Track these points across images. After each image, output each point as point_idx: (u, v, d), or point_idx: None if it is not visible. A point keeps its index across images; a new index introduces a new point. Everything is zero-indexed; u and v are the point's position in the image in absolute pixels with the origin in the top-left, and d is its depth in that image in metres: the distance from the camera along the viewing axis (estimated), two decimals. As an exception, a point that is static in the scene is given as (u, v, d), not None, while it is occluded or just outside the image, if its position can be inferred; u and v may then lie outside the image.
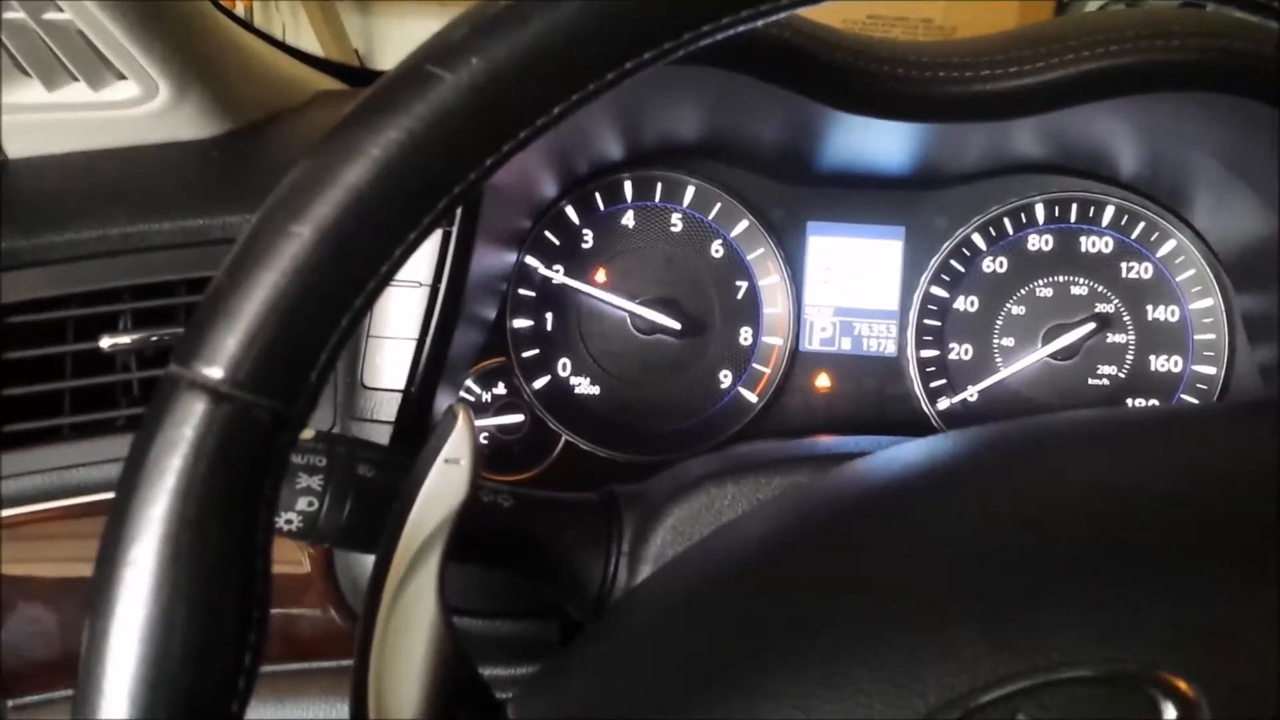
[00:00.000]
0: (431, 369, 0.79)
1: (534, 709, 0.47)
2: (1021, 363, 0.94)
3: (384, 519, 0.50)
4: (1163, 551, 0.38)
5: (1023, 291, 0.95)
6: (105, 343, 0.79)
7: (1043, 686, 0.34)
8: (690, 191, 0.97)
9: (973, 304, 0.96)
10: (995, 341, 0.96)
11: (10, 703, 0.86)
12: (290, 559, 0.82)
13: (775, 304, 0.97)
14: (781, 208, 0.97)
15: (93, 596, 0.34)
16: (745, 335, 0.98)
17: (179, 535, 0.33)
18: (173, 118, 0.84)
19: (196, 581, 0.34)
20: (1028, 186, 0.94)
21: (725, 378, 0.98)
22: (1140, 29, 0.66)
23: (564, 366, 0.98)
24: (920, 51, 0.70)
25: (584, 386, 0.99)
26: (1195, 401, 0.93)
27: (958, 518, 0.43)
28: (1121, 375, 0.94)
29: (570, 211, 0.98)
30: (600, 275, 0.98)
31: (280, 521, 0.57)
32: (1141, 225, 0.93)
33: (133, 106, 0.83)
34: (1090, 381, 0.94)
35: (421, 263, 0.78)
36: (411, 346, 0.78)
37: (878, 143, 0.84)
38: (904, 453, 0.52)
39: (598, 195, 0.98)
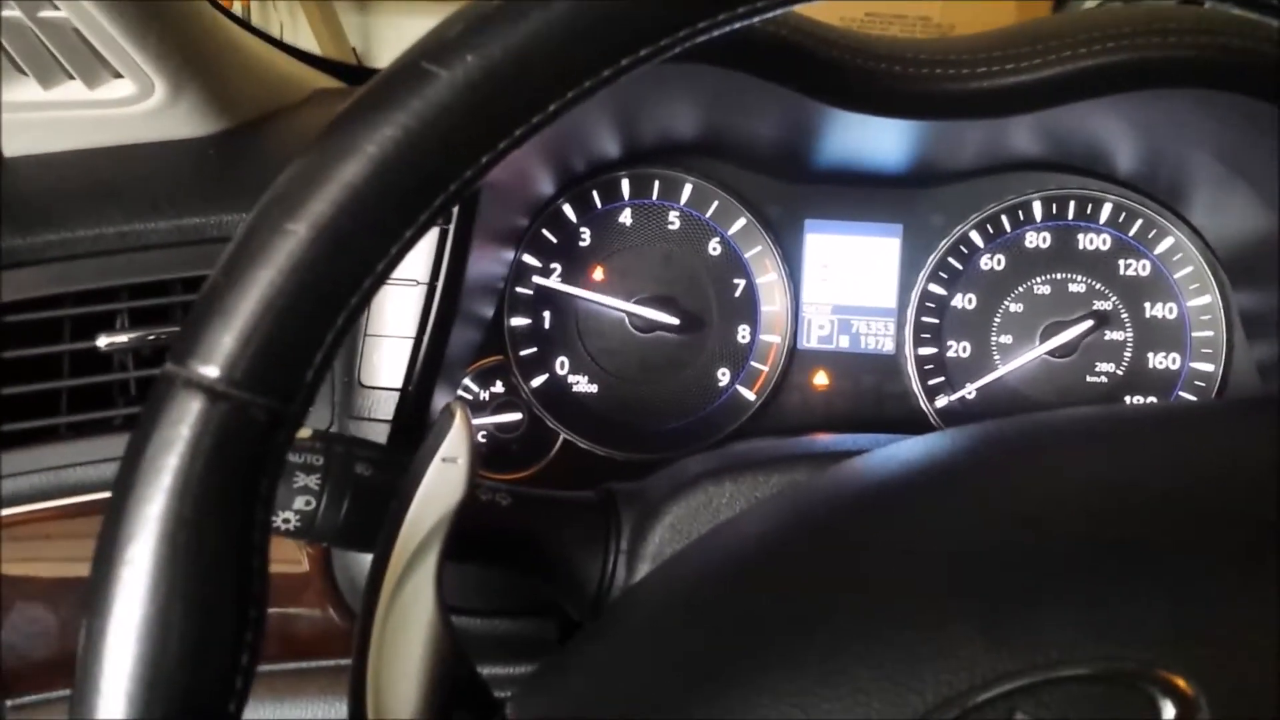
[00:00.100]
0: (429, 367, 0.79)
1: (532, 708, 0.47)
2: (1019, 360, 0.94)
3: (382, 518, 0.50)
4: (1161, 549, 0.38)
5: (1020, 289, 0.95)
6: (102, 342, 0.78)
7: (1041, 685, 0.34)
8: (688, 189, 0.97)
9: (970, 301, 0.96)
10: (993, 339, 0.96)
11: (9, 702, 0.86)
12: (288, 558, 0.82)
13: (773, 302, 0.97)
14: (779, 205, 0.97)
15: (89, 596, 0.34)
16: (743, 333, 0.98)
17: (175, 534, 0.33)
18: (169, 116, 0.84)
19: (193, 581, 0.34)
20: (1025, 184, 0.94)
21: (723, 376, 0.98)
22: (1138, 25, 0.66)
23: (562, 365, 0.98)
24: (918, 49, 0.70)
25: (582, 385, 0.99)
26: (1193, 399, 0.93)
27: (956, 515, 0.43)
28: (1119, 372, 0.94)
29: (568, 209, 0.98)
30: (598, 273, 0.98)
31: (278, 520, 0.57)
32: (1139, 222, 0.93)
33: (129, 105, 0.82)
34: (1088, 379, 0.94)
35: (418, 261, 0.78)
36: (409, 345, 0.78)
37: (875, 140, 0.84)
38: (902, 450, 0.51)
39: (595, 193, 0.98)
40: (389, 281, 0.74)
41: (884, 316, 0.97)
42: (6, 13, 0.74)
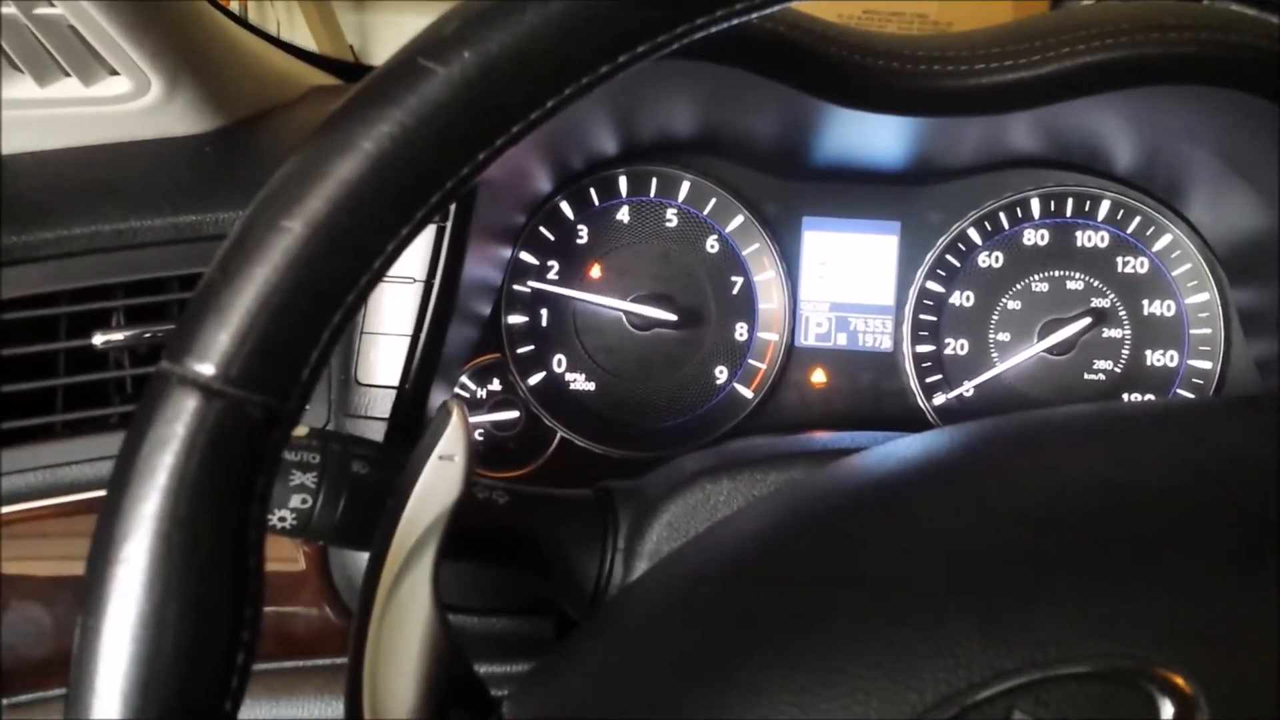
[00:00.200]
0: (426, 365, 0.79)
1: (529, 706, 0.47)
2: (1017, 358, 0.94)
3: (379, 516, 0.50)
4: (1159, 547, 0.38)
5: (1018, 286, 0.95)
6: (98, 340, 0.78)
7: (1040, 683, 0.34)
8: (685, 187, 0.97)
9: (968, 299, 0.96)
10: (991, 336, 0.95)
11: (5, 701, 0.86)
12: (285, 556, 0.81)
13: (771, 299, 0.97)
14: (777, 202, 0.97)
15: (85, 595, 0.34)
16: (741, 331, 0.98)
17: (171, 533, 0.33)
18: (165, 113, 0.84)
19: (189, 579, 0.33)
20: (1023, 181, 0.94)
21: (721, 373, 0.98)
22: (1136, 22, 0.66)
23: (559, 363, 0.98)
24: (915, 45, 0.70)
25: (579, 383, 0.98)
26: (1191, 396, 0.93)
27: (954, 513, 0.43)
28: (1117, 370, 0.94)
29: (565, 207, 0.97)
30: (595, 271, 0.97)
31: (274, 519, 0.57)
32: (1137, 220, 0.93)
33: (125, 102, 0.82)
34: (1086, 376, 0.94)
35: (415, 258, 0.78)
36: (406, 343, 0.78)
37: (873, 137, 0.84)
38: (900, 448, 0.51)
39: (592, 190, 0.97)
40: (385, 279, 0.74)
41: (882, 314, 0.97)
42: (3, 10, 0.73)
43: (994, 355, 0.95)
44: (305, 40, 2.57)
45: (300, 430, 0.59)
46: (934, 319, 0.96)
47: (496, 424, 0.97)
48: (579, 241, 0.98)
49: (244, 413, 0.34)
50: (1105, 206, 0.93)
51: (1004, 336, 0.95)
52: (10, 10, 0.74)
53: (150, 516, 0.33)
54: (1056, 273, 0.94)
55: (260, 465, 0.35)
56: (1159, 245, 0.93)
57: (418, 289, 0.78)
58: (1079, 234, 0.94)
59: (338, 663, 0.86)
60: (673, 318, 0.96)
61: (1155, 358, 0.94)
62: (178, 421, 0.34)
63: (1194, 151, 0.82)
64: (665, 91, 0.80)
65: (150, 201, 0.81)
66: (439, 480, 0.49)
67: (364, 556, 0.50)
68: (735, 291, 0.98)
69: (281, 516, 0.57)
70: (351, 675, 0.46)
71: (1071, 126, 0.82)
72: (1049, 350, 0.93)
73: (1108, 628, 0.35)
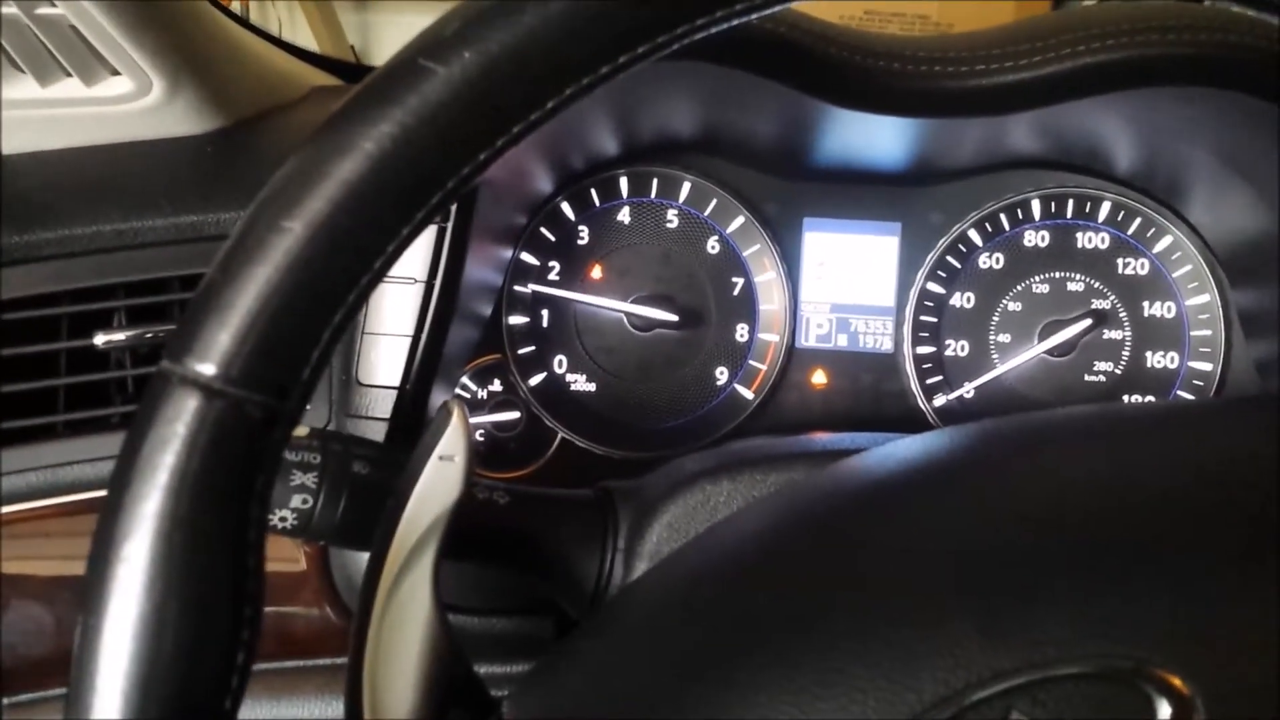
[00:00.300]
0: (426, 366, 0.79)
1: (529, 706, 0.47)
2: (1018, 359, 0.94)
3: (379, 516, 0.50)
4: (1158, 548, 0.38)
5: (1019, 288, 0.95)
6: (99, 340, 0.78)
7: (1038, 683, 0.34)
8: (686, 187, 0.97)
9: (969, 300, 0.96)
10: (991, 338, 0.95)
11: (6, 700, 0.86)
12: (286, 556, 0.81)
13: (771, 300, 0.97)
14: (777, 203, 0.97)
15: (85, 594, 0.34)
16: (741, 332, 0.98)
17: (171, 532, 0.33)
18: (166, 113, 0.84)
19: (189, 579, 0.33)
20: (1024, 182, 0.94)
21: (721, 374, 0.98)
22: (1137, 23, 0.66)
23: (560, 363, 0.98)
24: (916, 46, 0.70)
25: (580, 383, 0.98)
26: (1191, 398, 0.93)
27: (953, 514, 0.43)
28: (1118, 371, 0.94)
29: (566, 208, 0.97)
30: (596, 272, 0.98)
31: (274, 519, 0.57)
32: (1138, 221, 0.93)
33: (126, 102, 0.82)
34: (1086, 378, 0.94)
35: (416, 259, 0.78)
36: (406, 343, 0.78)
37: (874, 138, 0.84)
38: (900, 449, 0.52)
39: (593, 191, 0.98)
40: (386, 279, 0.74)
41: (882, 315, 0.97)
42: (4, 10, 0.74)
43: (994, 356, 0.95)
44: (307, 40, 2.57)
45: (301, 430, 0.59)
46: (934, 320, 0.96)
47: (497, 424, 0.97)
48: (580, 242, 0.98)
49: (244, 412, 0.34)
50: (1106, 208, 0.93)
51: (1004, 338, 0.95)
52: (11, 10, 0.74)
53: (151, 516, 0.33)
54: (1057, 274, 0.94)
55: (260, 465, 0.35)
56: (1159, 247, 0.93)
57: (419, 289, 0.78)
58: (1079, 235, 0.94)
59: (338, 662, 0.86)
60: (674, 318, 0.96)
61: (1156, 359, 0.94)
62: (178, 421, 0.34)
63: (1194, 153, 0.82)
64: (666, 92, 0.81)
65: (151, 202, 0.81)
66: (439, 480, 0.49)
67: (364, 556, 0.50)
68: (736, 292, 0.98)
69: (282, 516, 0.57)
70: (351, 675, 0.46)
71: (1072, 128, 0.82)
72: (1049, 352, 0.93)
73: (1106, 628, 0.35)
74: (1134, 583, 0.36)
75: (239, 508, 0.35)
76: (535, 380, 0.98)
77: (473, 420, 0.97)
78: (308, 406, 0.37)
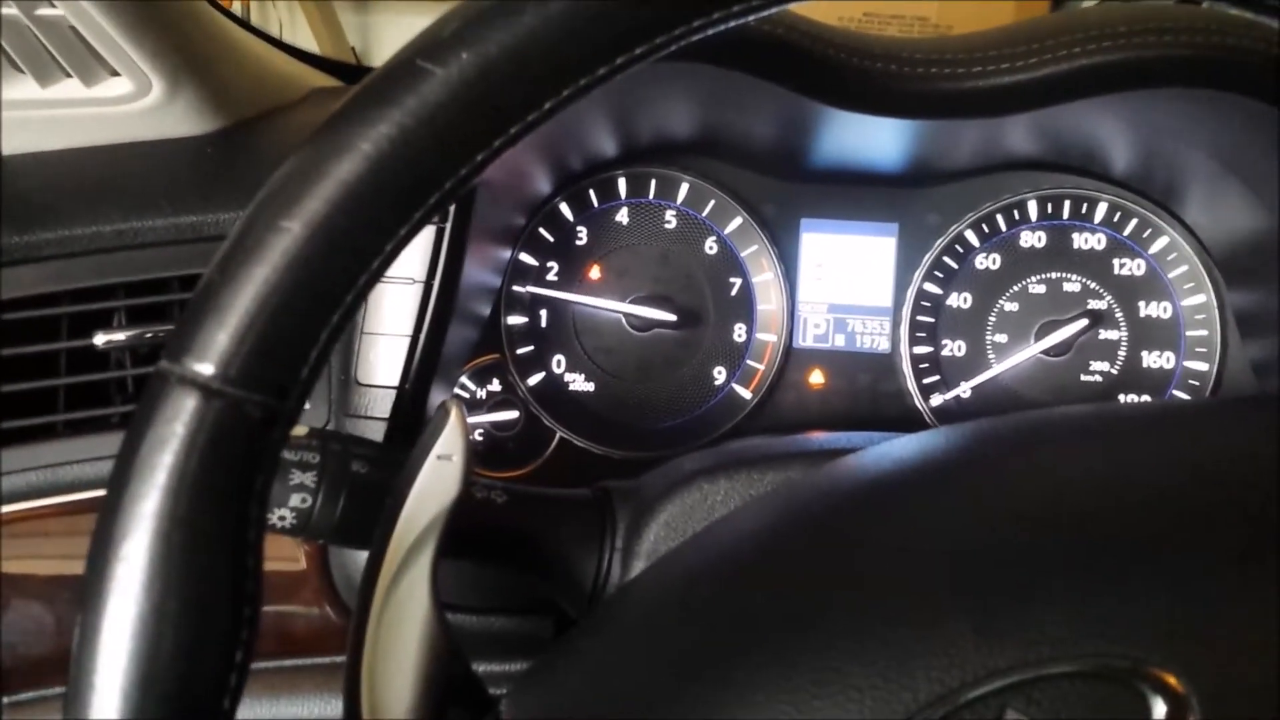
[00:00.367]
0: (425, 366, 0.79)
1: (527, 705, 0.47)
2: (1014, 359, 0.94)
3: (378, 515, 0.50)
4: (1153, 547, 0.38)
5: (1015, 288, 0.95)
6: (99, 339, 0.78)
7: (1032, 682, 0.34)
8: (684, 188, 0.97)
9: (966, 300, 0.96)
10: (988, 338, 0.96)
11: (6, 699, 0.86)
12: (286, 555, 0.82)
13: (769, 300, 0.98)
14: (775, 204, 0.97)
15: (84, 594, 0.34)
16: (739, 332, 0.98)
17: (170, 532, 0.33)
18: (166, 114, 0.84)
19: (188, 578, 0.34)
20: (1021, 183, 0.94)
21: (719, 374, 0.98)
22: (1134, 25, 0.66)
23: (558, 363, 0.98)
24: (914, 48, 0.70)
25: (578, 383, 0.99)
26: (1187, 398, 0.93)
27: (950, 513, 0.43)
28: (1114, 371, 0.94)
29: (564, 208, 0.98)
30: (594, 272, 0.98)
31: (274, 518, 0.57)
32: (1134, 222, 0.93)
33: (126, 103, 0.82)
34: (1082, 378, 0.94)
35: (415, 259, 0.78)
36: (405, 343, 0.78)
37: (871, 139, 0.84)
38: (896, 448, 0.52)
39: (592, 192, 0.98)
40: (385, 279, 0.74)
41: (879, 315, 0.97)
42: (4, 10, 0.74)
43: (991, 356, 0.96)
44: (307, 41, 2.57)
45: (300, 430, 0.60)
46: (932, 320, 0.96)
47: (496, 424, 0.97)
48: (578, 243, 0.98)
49: (243, 412, 0.35)
50: (1102, 209, 0.94)
51: (1001, 338, 0.95)
52: (11, 11, 0.74)
53: (150, 515, 0.33)
54: (1053, 274, 0.95)
55: (259, 465, 0.35)
56: (1156, 247, 0.93)
57: (417, 289, 0.78)
58: (1076, 236, 0.94)
59: (337, 661, 0.86)
60: (672, 318, 0.96)
61: (1152, 359, 0.94)
62: (177, 421, 0.34)
63: (1191, 154, 0.82)
64: (664, 93, 0.81)
65: (151, 202, 0.81)
66: (437, 480, 0.50)
67: (364, 555, 0.50)
68: (734, 293, 0.98)
69: (281, 515, 0.57)
70: (350, 674, 0.46)
71: (1069, 129, 0.82)
72: (1046, 351, 0.94)
73: (1101, 627, 0.35)
74: (1129, 582, 0.36)
75: (238, 507, 0.35)
76: (534, 380, 0.98)
77: (471, 420, 0.97)
78: (307, 406, 0.37)
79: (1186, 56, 0.66)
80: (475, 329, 0.94)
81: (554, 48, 0.36)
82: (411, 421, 0.78)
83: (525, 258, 0.97)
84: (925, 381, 0.96)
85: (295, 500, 0.57)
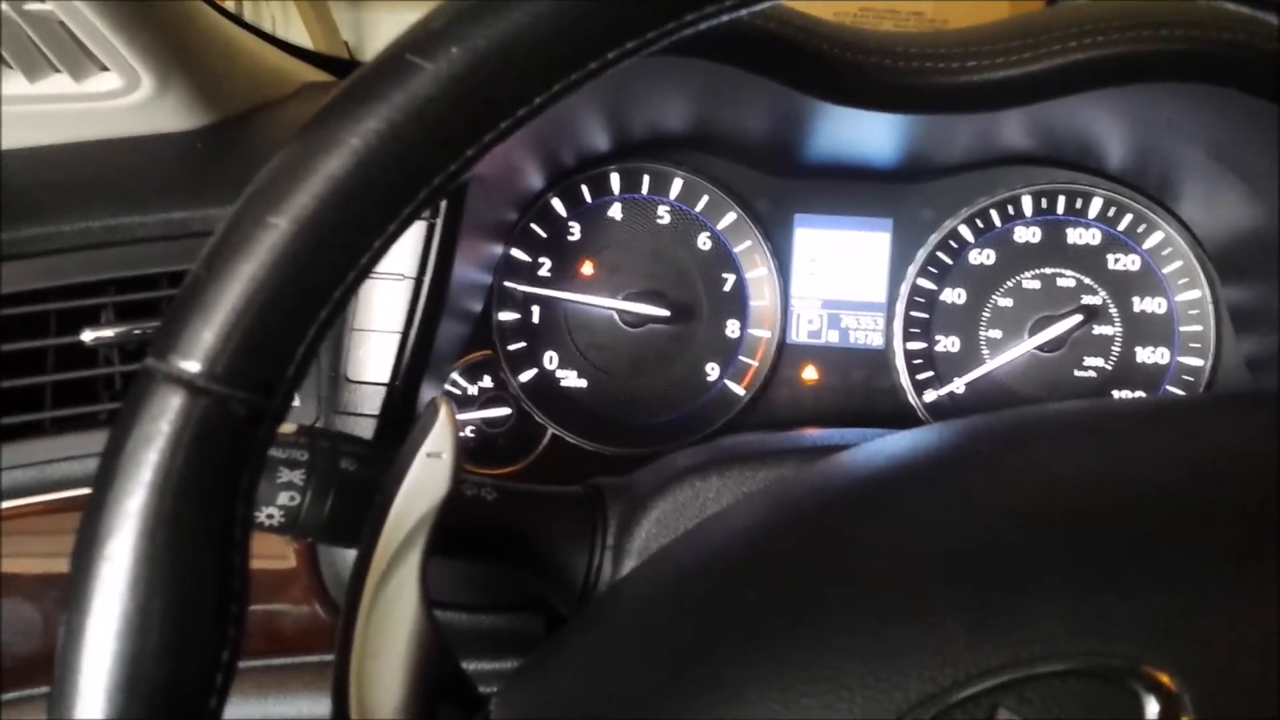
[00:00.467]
0: (416, 362, 0.79)
1: (517, 704, 0.47)
2: (1008, 355, 0.94)
3: (367, 513, 0.50)
4: (1147, 545, 0.38)
5: (1010, 283, 0.95)
6: (87, 336, 0.78)
7: (1024, 680, 0.34)
8: (677, 184, 0.97)
9: (960, 296, 0.96)
10: (982, 333, 0.96)
11: (-1, 697, 0.86)
12: (275, 553, 0.81)
13: (762, 296, 0.97)
14: (769, 199, 0.97)
15: (68, 593, 0.34)
16: (732, 328, 0.98)
17: (155, 530, 0.33)
18: (155, 109, 0.84)
19: (173, 577, 0.33)
20: (1015, 178, 0.94)
21: (712, 370, 0.98)
22: (1128, 19, 0.66)
23: (550, 359, 0.98)
24: (907, 42, 0.70)
25: (570, 380, 0.98)
26: (1181, 393, 0.93)
27: (943, 510, 0.43)
28: (1108, 367, 0.94)
29: (557, 204, 0.97)
30: (587, 268, 0.97)
31: (262, 516, 0.57)
32: (1129, 217, 0.93)
33: (115, 98, 0.82)
34: (1077, 373, 0.94)
35: (406, 255, 0.78)
36: (396, 339, 0.78)
37: (865, 134, 0.84)
38: (890, 445, 0.52)
39: (584, 187, 0.97)
40: (376, 275, 0.74)
41: (873, 311, 0.97)
42: (-8, 6, 0.73)
43: (985, 352, 0.95)
44: (300, 36, 2.56)
45: (288, 427, 0.59)
46: (925, 316, 0.96)
47: (487, 421, 0.97)
48: (571, 238, 0.98)
49: (229, 410, 0.34)
50: (1097, 204, 0.94)
51: (995, 333, 0.95)
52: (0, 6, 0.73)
53: (135, 514, 0.33)
54: (1047, 270, 0.94)
55: (245, 462, 0.35)
56: (1150, 243, 0.93)
57: (408, 285, 0.78)
58: (1070, 231, 0.94)
59: (327, 659, 0.85)
60: (665, 313, 0.96)
61: (1146, 354, 0.94)
62: (162, 419, 0.34)
63: (1186, 149, 0.82)
64: (657, 88, 0.80)
65: (141, 198, 0.81)
66: (426, 478, 0.49)
67: (353, 553, 0.50)
68: (727, 288, 0.98)
69: (270, 514, 0.57)
70: (338, 673, 0.46)
71: (1063, 124, 0.82)
72: (1040, 347, 0.94)
73: (1094, 625, 0.35)
74: (1123, 580, 0.36)
75: (224, 505, 0.35)
76: (525, 376, 0.98)
77: (463, 416, 0.97)
78: (296, 403, 0.37)
79: (1182, 51, 0.66)
80: (466, 325, 0.94)
81: (544, 42, 0.36)
82: (402, 418, 0.78)
83: (517, 253, 0.97)
84: (919, 377, 0.96)
85: (283, 498, 0.57)
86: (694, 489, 0.65)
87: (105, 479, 0.34)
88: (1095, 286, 0.94)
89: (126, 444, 0.34)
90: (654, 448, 0.93)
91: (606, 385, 0.98)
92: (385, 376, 0.77)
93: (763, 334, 0.97)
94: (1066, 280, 0.94)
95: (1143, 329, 0.94)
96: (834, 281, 0.97)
